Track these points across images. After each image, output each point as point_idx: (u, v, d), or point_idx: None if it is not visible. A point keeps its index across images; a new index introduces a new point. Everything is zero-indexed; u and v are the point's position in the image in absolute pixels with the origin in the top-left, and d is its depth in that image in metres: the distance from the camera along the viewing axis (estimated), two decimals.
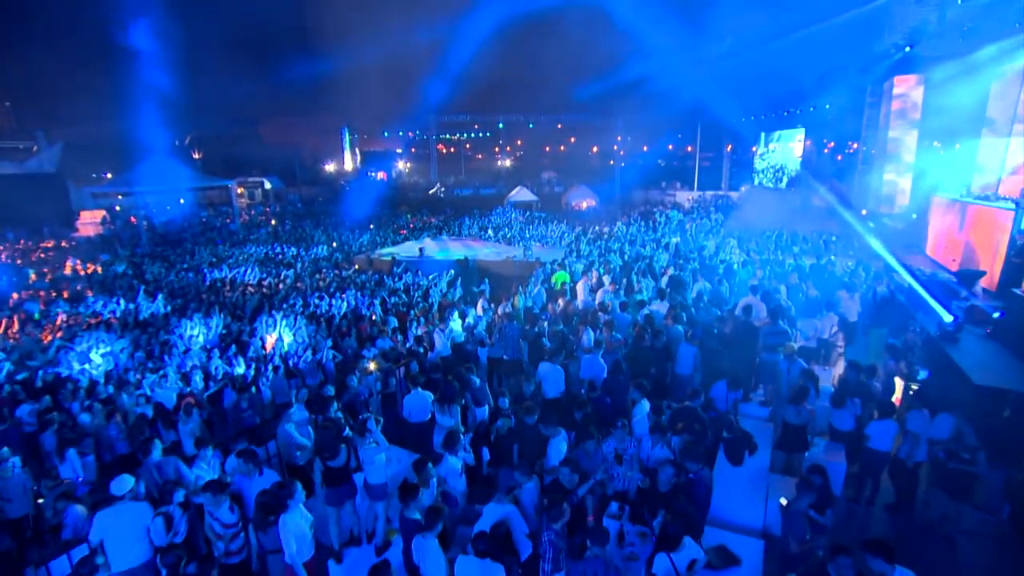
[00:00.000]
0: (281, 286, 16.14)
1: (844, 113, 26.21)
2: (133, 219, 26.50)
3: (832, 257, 14.36)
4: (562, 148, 58.64)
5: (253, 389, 9.91)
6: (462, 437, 5.24)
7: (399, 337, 11.41)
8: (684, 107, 41.12)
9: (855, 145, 29.67)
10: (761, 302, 8.88)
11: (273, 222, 33.46)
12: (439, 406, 6.21)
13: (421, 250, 18.48)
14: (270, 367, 10.54)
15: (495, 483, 5.65)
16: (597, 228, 24.64)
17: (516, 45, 41.01)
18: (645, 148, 56.63)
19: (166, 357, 11.10)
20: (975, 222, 11.80)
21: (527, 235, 24.13)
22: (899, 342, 8.72)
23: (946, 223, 14.08)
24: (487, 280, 15.96)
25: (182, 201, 32.15)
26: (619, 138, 46.04)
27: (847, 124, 26.41)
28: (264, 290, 15.82)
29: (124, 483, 4.84)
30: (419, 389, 6.81)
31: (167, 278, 17.77)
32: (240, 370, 10.65)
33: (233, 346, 11.53)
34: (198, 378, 10.07)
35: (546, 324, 9.07)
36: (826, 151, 32.97)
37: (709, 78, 34.01)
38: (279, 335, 11.88)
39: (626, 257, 15.32)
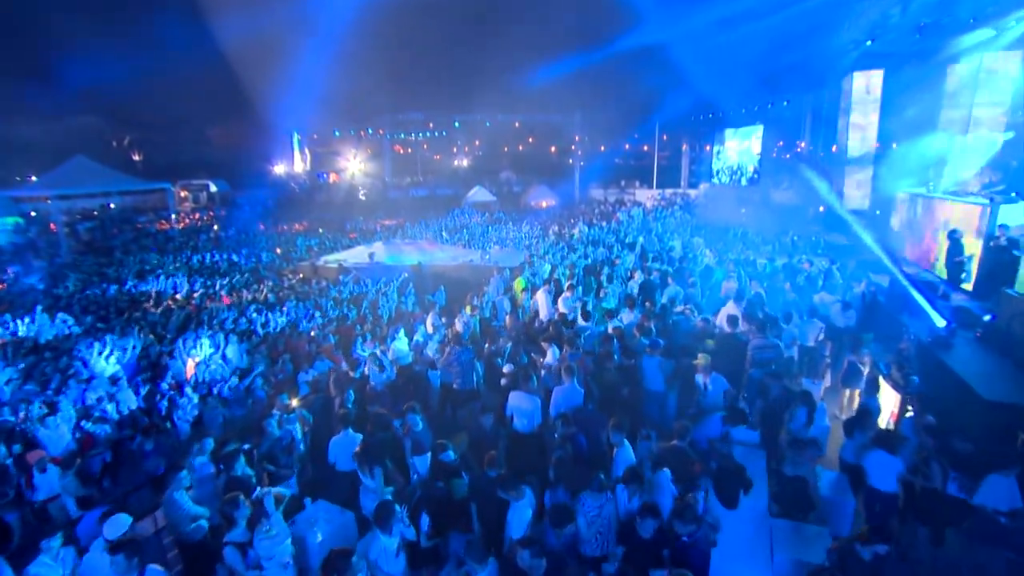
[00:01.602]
0: (213, 299, 14.57)
1: (803, 110, 26.23)
2: (53, 226, 24.06)
3: (802, 256, 13.82)
4: (520, 147, 57.78)
5: (168, 424, 8.60)
6: (398, 509, 4.09)
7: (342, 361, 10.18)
8: (642, 104, 40.94)
9: (802, 144, 30.00)
10: (743, 311, 8.07)
11: (216, 227, 31.31)
12: (359, 463, 5.01)
13: (371, 255, 17.16)
14: (188, 396, 9.11)
15: (442, 554, 4.56)
16: (558, 228, 23.79)
17: (470, 39, 39.83)
18: (603, 148, 56.42)
19: (67, 388, 9.53)
20: (944, 218, 11.40)
21: (486, 238, 23.08)
22: (890, 350, 8.08)
23: (912, 220, 13.77)
24: (443, 288, 14.80)
25: (112, 206, 29.61)
26: (577, 137, 45.44)
27: (806, 120, 26.45)
28: (193, 304, 14.21)
29: None
30: (349, 430, 5.64)
31: (83, 292, 15.88)
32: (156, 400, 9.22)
33: (148, 372, 10.06)
34: (109, 411, 8.60)
35: (508, 344, 7.99)
36: (778, 147, 33.12)
37: (667, 74, 33.73)
38: (205, 357, 10.43)
39: (589, 260, 14.43)
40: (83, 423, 8.11)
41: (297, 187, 44.62)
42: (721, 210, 23.83)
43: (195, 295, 15.18)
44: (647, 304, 9.18)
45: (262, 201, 44.05)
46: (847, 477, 5.75)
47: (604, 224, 22.63)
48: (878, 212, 16.62)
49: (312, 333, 11.63)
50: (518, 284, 11.35)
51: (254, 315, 12.64)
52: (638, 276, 10.95)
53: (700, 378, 6.67)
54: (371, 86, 38.28)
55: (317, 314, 13.17)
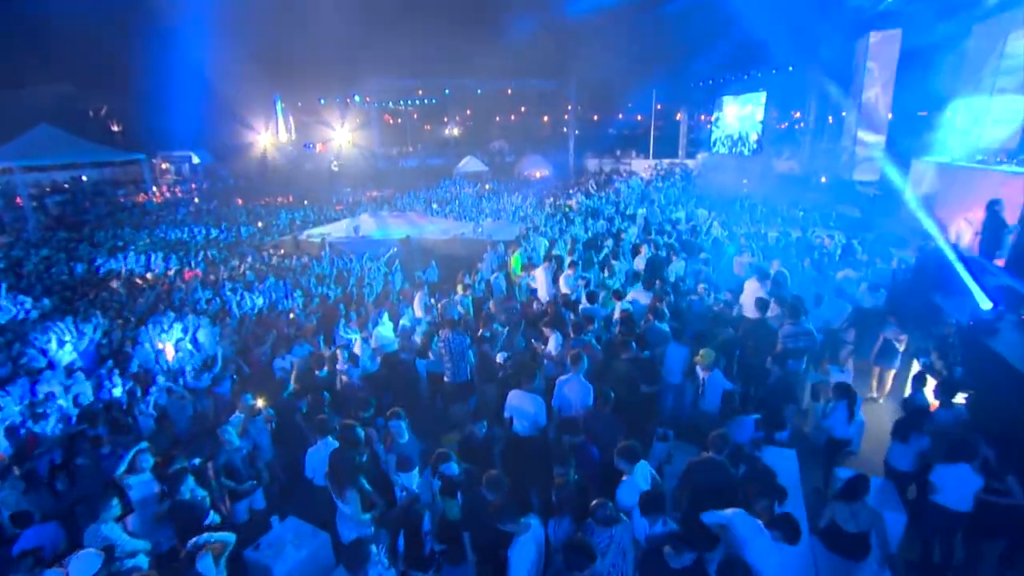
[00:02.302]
0: (187, 277, 13.59)
1: (810, 74, 25.04)
2: (19, 199, 22.75)
3: (814, 229, 13.01)
4: (513, 116, 56.06)
5: (130, 419, 7.77)
6: (374, 551, 3.29)
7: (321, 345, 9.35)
8: (638, 71, 39.43)
9: (806, 113, 28.86)
10: (768, 292, 7.25)
11: (196, 200, 30.01)
12: (330, 486, 4.18)
13: (356, 228, 16.17)
14: (154, 389, 8.26)
15: None
16: (554, 199, 22.78)
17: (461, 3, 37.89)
18: (598, 117, 54.85)
19: (19, 378, 8.64)
20: (978, 188, 10.54)
21: (478, 209, 22.05)
22: (925, 335, 7.33)
23: (933, 190, 12.91)
24: (435, 264, 13.91)
25: (85, 178, 28.18)
26: (568, 106, 43.92)
27: (813, 86, 25.28)
28: (165, 283, 13.23)
29: None
30: (328, 439, 4.82)
31: (48, 271, 14.84)
32: (117, 391, 8.37)
33: (111, 361, 9.17)
34: (65, 406, 7.76)
35: (503, 330, 7.14)
36: (780, 116, 32.01)
37: (664, 38, 32.30)
38: (173, 342, 9.54)
39: (589, 233, 13.52)
40: (29, 422, 7.27)
41: (282, 157, 43.10)
42: (721, 180, 22.86)
43: (169, 273, 14.19)
44: (657, 283, 8.34)
45: (245, 173, 42.62)
46: (893, 485, 5.04)
47: (602, 195, 21.62)
48: (897, 181, 15.72)
49: (291, 314, 10.75)
50: (514, 260, 10.45)
51: (228, 294, 11.71)
52: (645, 251, 10.08)
53: (700, 376, 5.90)
54: (357, 49, 36.53)
55: (298, 293, 12.27)
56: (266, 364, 9.18)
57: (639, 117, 54.41)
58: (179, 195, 32.17)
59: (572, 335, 6.57)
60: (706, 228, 12.81)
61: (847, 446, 5.40)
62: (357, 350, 7.16)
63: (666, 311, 7.13)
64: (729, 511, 3.78)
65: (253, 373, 9.13)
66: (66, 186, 27.61)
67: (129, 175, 37.04)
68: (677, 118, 42.31)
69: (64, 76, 47.49)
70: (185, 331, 9.79)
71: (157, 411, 8.00)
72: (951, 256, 7.97)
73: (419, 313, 8.02)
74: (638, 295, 7.98)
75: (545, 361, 6.64)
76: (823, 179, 24.03)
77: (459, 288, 8.94)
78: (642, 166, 38.70)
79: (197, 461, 4.74)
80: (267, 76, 42.01)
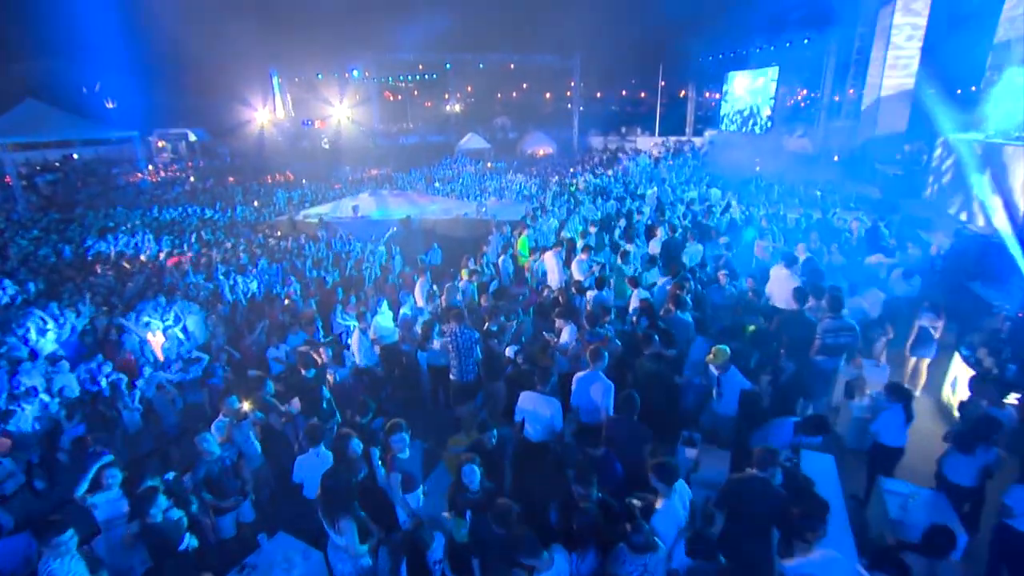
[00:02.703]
0: (178, 260, 13.03)
1: (826, 48, 24.10)
2: (8, 179, 22.09)
3: (835, 211, 12.37)
4: (515, 92, 54.82)
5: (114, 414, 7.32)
6: None
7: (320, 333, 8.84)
8: (644, 45, 38.30)
9: (804, 93, 27.90)
10: (798, 277, 6.69)
11: (192, 179, 29.33)
12: (322, 512, 3.68)
13: (355, 208, 15.54)
14: (141, 381, 7.77)
15: None
16: (559, 178, 22.08)
17: None
18: (599, 95, 53.62)
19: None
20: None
21: (481, 188, 21.37)
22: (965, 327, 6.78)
23: (966, 169, 12.22)
24: (437, 246, 13.34)
25: (76, 157, 27.43)
26: (571, 83, 42.75)
27: (829, 61, 24.35)
28: (155, 265, 12.68)
29: None
30: (320, 448, 4.32)
31: (36, 253, 14.29)
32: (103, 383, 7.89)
33: (100, 355, 8.66)
34: (47, 401, 7.28)
35: (513, 322, 6.60)
36: (791, 92, 31.01)
37: (671, 8, 31.15)
38: (162, 330, 9.03)
39: (599, 213, 12.90)
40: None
41: (279, 135, 42.18)
42: (733, 159, 22.08)
43: (160, 255, 13.63)
44: (675, 268, 7.77)
45: (242, 151, 41.77)
46: (946, 499, 4.54)
47: (608, 173, 20.90)
48: (925, 159, 15.00)
49: (286, 300, 10.22)
50: (521, 243, 9.86)
51: (221, 278, 11.16)
52: (660, 233, 9.48)
53: (713, 374, 5.35)
54: (356, 23, 35.40)
55: (293, 277, 11.72)
56: (259, 353, 8.70)
57: (643, 94, 53.25)
58: (175, 174, 31.39)
59: (587, 327, 6.02)
60: (721, 209, 12.18)
61: (900, 456, 4.89)
62: (355, 342, 6.61)
63: (689, 300, 6.59)
64: (817, 556, 3.29)
65: (245, 364, 8.65)
66: (57, 165, 26.89)
67: (124, 154, 36.19)
68: (683, 95, 41.27)
69: (54, 51, 46.29)
70: (176, 319, 9.30)
71: (143, 405, 7.54)
72: (1010, 242, 7.37)
73: (420, 302, 7.46)
74: (656, 282, 7.43)
75: (558, 355, 6.13)
76: (835, 158, 23.30)
77: (463, 273, 8.37)
78: (648, 144, 37.80)
79: (171, 475, 4.24)
80: (263, 51, 40.88)
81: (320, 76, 40.30)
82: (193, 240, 14.69)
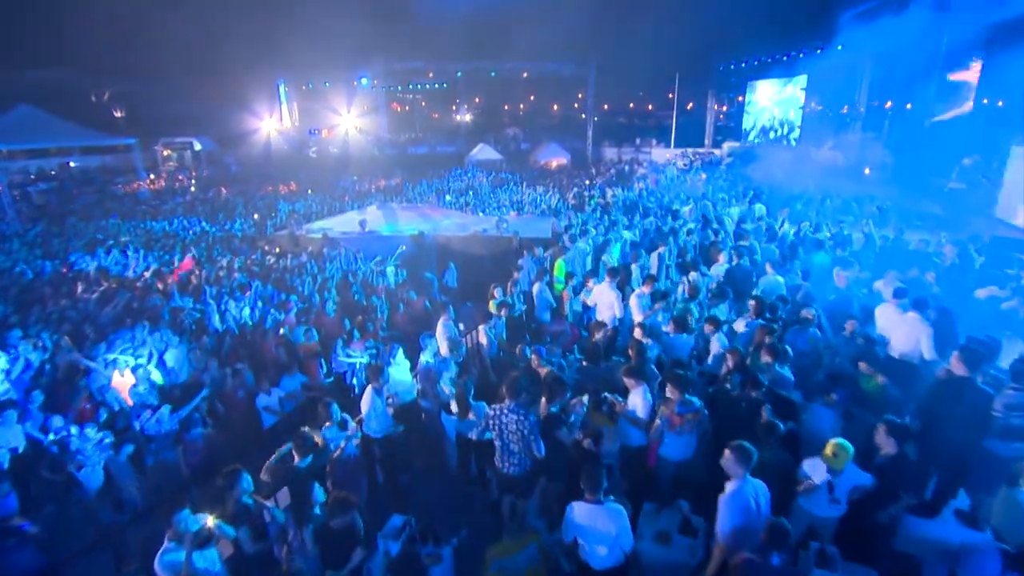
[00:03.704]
0: (167, 279, 11.70)
1: (862, 54, 22.71)
2: None
3: (899, 228, 10.91)
4: (521, 106, 53.63)
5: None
6: None
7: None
8: (662, 54, 37.01)
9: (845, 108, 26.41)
10: (924, 321, 5.25)
11: (193, 188, 28.19)
12: None
13: (362, 223, 14.20)
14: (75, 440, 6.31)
15: None
16: (579, 191, 20.72)
17: None
18: (611, 106, 52.47)
19: None
20: None
21: (496, 201, 20.05)
22: None
23: None
24: (453, 266, 11.98)
25: (73, 165, 26.34)
26: (581, 94, 41.57)
27: (866, 69, 22.97)
28: (139, 286, 11.34)
29: None
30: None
31: (13, 270, 13.02)
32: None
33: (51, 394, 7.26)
34: None
35: (583, 404, 5.04)
36: (822, 102, 29.55)
37: (690, 13, 29.95)
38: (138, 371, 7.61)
39: (636, 233, 11.46)
40: None
41: (285, 143, 41.20)
42: (767, 171, 20.67)
43: (147, 273, 12.30)
44: (758, 305, 6.34)
45: (248, 160, 40.79)
46: None
47: (638, 186, 19.54)
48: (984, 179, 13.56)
49: (281, 330, 8.84)
50: (558, 269, 8.42)
51: (211, 301, 9.79)
52: (723, 258, 8.06)
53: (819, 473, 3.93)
54: (365, 30, 34.40)
55: (293, 298, 10.34)
56: (246, 401, 7.31)
57: (650, 106, 51.93)
58: (180, 183, 30.29)
59: (677, 391, 4.54)
60: (777, 229, 10.74)
61: None
62: (366, 403, 5.14)
63: (788, 350, 5.17)
64: None
65: (230, 413, 7.26)
66: (52, 173, 25.79)
67: (129, 163, 35.29)
68: (698, 105, 40.06)
69: (64, 59, 45.65)
70: (151, 355, 7.92)
71: (104, 462, 6.15)
72: None
73: (444, 349, 5.98)
74: (728, 321, 6.00)
75: (626, 424, 4.71)
76: (867, 171, 21.92)
77: (491, 306, 6.96)
78: (664, 155, 36.47)
79: None
80: (271, 59, 40.02)
81: (328, 84, 39.26)
82: (187, 256, 13.36)
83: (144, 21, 42.04)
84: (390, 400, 5.17)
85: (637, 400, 4.74)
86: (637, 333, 5.67)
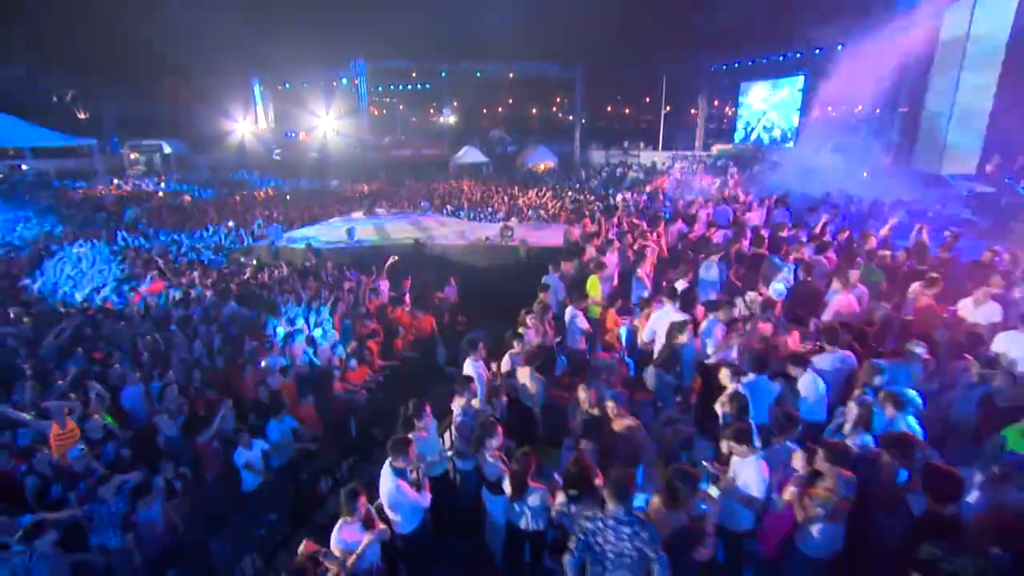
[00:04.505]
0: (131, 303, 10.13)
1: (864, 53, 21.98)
2: None
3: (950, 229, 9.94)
4: (500, 108, 52.40)
5: None
6: None
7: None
8: (650, 54, 36.13)
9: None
10: None
11: (161, 194, 26.31)
12: None
13: (350, 231, 12.79)
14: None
15: None
16: (574, 195, 19.59)
17: None
18: (602, 106, 51.64)
19: None
20: None
21: (488, 206, 18.77)
22: None
23: None
24: (454, 281, 10.68)
25: (24, 168, 24.28)
26: (569, 95, 40.57)
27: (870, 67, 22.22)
28: (91, 310, 9.74)
29: None
30: None
31: None
32: None
33: None
34: None
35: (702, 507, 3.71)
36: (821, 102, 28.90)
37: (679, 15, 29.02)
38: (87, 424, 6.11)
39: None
40: None
41: (261, 146, 39.34)
42: (787, 175, 19.74)
43: (99, 293, 10.70)
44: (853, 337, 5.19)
45: (222, 163, 38.83)
46: None
47: (647, 190, 18.47)
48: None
49: (263, 362, 7.41)
50: (591, 286, 7.13)
51: (175, 329, 8.31)
52: (784, 274, 6.88)
53: None
54: (345, 26, 32.87)
55: (273, 322, 8.91)
56: (224, 454, 5.91)
57: (626, 109, 51.04)
58: (141, 187, 28.35)
59: (832, 465, 3.32)
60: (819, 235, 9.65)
61: None
62: (386, 494, 3.76)
63: (913, 396, 4.05)
64: None
65: (204, 472, 5.85)
66: (1, 177, 23.71)
67: (89, 167, 33.07)
68: (688, 107, 39.37)
69: (19, 57, 42.98)
70: (101, 399, 6.42)
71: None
72: None
73: (477, 400, 4.59)
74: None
75: (735, 505, 3.46)
76: (864, 174, 21.25)
77: (516, 342, 5.63)
78: (653, 159, 35.60)
79: None
80: (245, 58, 38.06)
81: (306, 84, 37.55)
82: (151, 274, 11.62)
83: (111, 16, 39.78)
84: (414, 474, 3.84)
85: (751, 474, 3.52)
86: (726, 377, 4.47)
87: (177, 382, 6.75)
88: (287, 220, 17.25)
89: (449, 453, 4.52)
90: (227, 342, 8.23)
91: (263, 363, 7.25)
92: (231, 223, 17.11)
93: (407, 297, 10.14)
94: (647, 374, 5.27)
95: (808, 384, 4.73)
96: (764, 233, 10.34)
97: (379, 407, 7.75)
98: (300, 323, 8.89)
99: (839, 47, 23.02)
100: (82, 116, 48.21)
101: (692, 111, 39.17)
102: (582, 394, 4.39)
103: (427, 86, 39.66)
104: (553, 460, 4.73)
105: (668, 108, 38.92)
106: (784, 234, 10.10)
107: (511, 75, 38.65)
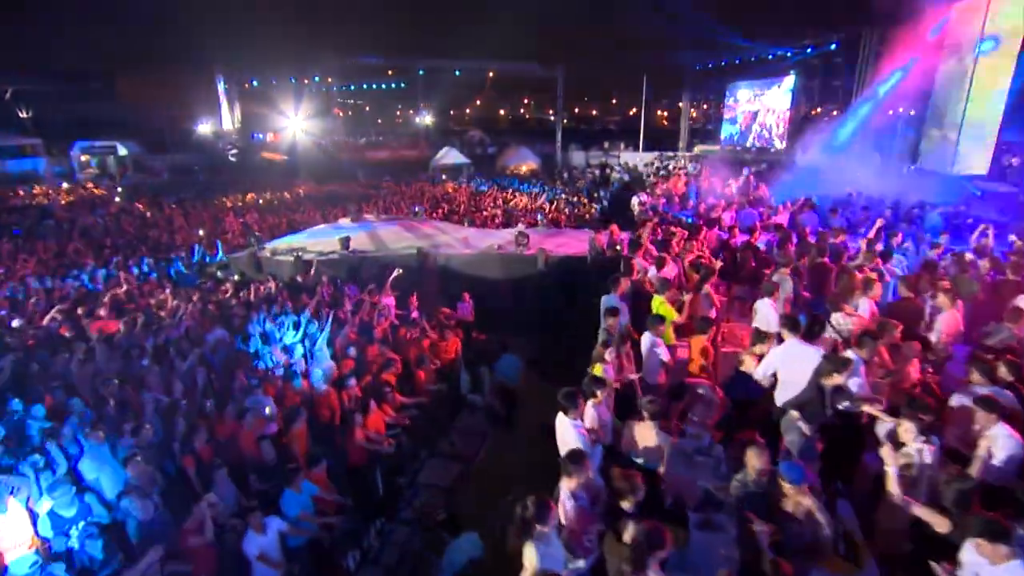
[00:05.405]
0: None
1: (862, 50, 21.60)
2: None
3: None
4: (483, 104, 51.31)
5: None
6: None
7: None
8: (631, 53, 35.42)
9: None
10: None
11: (118, 199, 24.16)
12: None
13: (346, 242, 11.35)
14: None
15: None
16: (567, 197, 18.54)
17: None
18: (583, 105, 51.03)
19: None
20: None
21: (478, 211, 17.52)
22: None
23: None
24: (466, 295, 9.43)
25: None
26: (539, 100, 39.65)
27: (865, 66, 21.86)
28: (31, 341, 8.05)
29: None
30: None
31: None
32: None
33: None
34: None
35: None
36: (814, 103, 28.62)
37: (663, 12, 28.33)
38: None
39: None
40: None
41: (228, 149, 37.01)
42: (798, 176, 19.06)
43: (45, 319, 8.86)
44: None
45: (182, 167, 36.40)
46: None
47: (657, 191, 17.50)
48: None
49: (268, 409, 6.00)
50: (662, 308, 5.93)
51: (146, 367, 6.78)
52: (877, 290, 5.88)
53: None
54: (315, 21, 31.14)
55: (265, 350, 7.47)
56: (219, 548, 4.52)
57: (595, 112, 50.66)
58: (94, 193, 26.11)
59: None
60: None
61: None
62: None
63: None
64: None
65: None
66: None
67: (31, 171, 30.37)
68: (672, 107, 38.88)
69: None
70: (54, 466, 4.96)
71: None
72: None
73: (583, 477, 3.27)
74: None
75: None
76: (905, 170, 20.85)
77: (603, 367, 4.46)
78: (634, 159, 34.79)
79: None
80: (208, 53, 35.71)
81: (274, 82, 35.48)
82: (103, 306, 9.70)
83: (58, 11, 37.02)
84: None
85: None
86: (909, 434, 3.36)
87: (156, 437, 5.32)
88: (265, 228, 15.65)
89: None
90: (212, 379, 6.80)
91: (268, 410, 5.86)
92: (202, 231, 15.41)
93: (416, 315, 8.89)
94: (784, 423, 4.15)
95: (1003, 440, 3.67)
96: (810, 239, 9.42)
97: (400, 447, 6.49)
98: (299, 353, 7.48)
99: (833, 44, 22.60)
100: (24, 115, 44.59)
101: (670, 111, 38.70)
102: (755, 460, 3.23)
103: (403, 85, 38.08)
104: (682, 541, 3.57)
105: (634, 109, 38.28)
106: (836, 240, 9.19)
107: (491, 74, 37.46)
